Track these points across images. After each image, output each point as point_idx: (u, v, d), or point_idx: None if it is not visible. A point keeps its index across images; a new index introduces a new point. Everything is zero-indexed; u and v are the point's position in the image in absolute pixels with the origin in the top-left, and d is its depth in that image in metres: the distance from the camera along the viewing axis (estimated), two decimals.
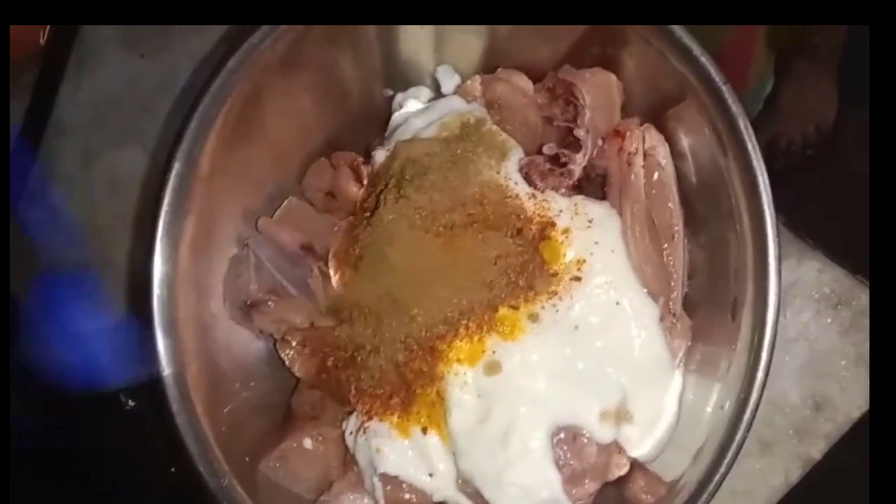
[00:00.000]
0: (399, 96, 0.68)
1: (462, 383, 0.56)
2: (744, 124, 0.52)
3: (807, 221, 0.63)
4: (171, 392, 0.60)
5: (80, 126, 0.85)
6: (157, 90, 0.83)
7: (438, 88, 0.67)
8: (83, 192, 0.85)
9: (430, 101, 0.67)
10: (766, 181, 0.52)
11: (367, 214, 0.61)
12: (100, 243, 0.83)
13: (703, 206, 0.58)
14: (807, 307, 0.63)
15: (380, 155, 0.63)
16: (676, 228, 0.58)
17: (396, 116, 0.67)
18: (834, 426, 0.63)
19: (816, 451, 0.63)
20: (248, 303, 0.64)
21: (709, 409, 0.56)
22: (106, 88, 0.85)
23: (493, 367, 0.56)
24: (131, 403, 0.73)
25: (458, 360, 0.57)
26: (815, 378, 0.63)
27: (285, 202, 0.67)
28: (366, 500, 0.60)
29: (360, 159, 0.67)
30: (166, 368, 0.60)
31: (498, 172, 0.59)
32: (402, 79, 0.68)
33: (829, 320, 0.63)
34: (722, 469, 0.53)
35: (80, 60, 0.86)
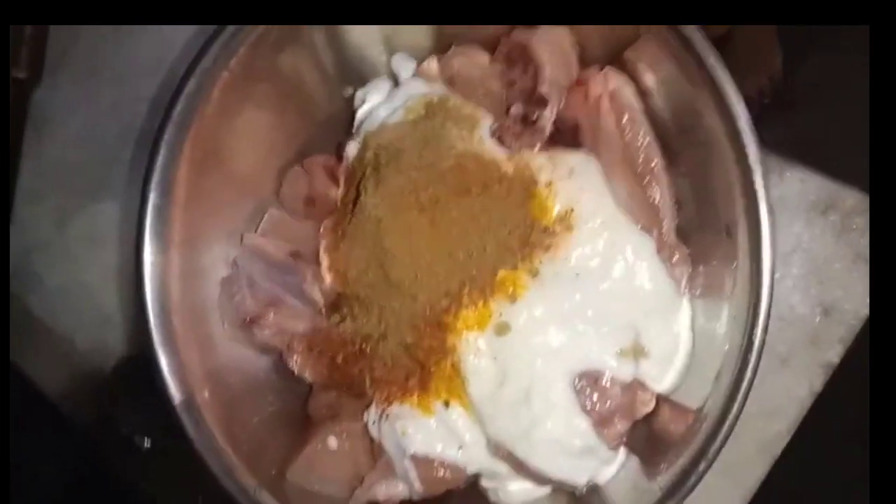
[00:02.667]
0: (359, 92, 0.68)
1: (475, 350, 0.56)
2: (701, 43, 0.52)
3: (782, 139, 0.64)
4: (186, 419, 0.59)
5: (48, 190, 0.85)
6: (119, 139, 0.83)
7: (396, 78, 0.68)
8: (63, 253, 0.84)
9: (390, 91, 0.67)
10: (738, 96, 0.52)
11: (350, 207, 0.61)
12: (88, 300, 0.82)
13: (678, 135, 0.59)
14: (796, 218, 0.64)
15: (351, 148, 0.64)
16: (655, 162, 0.58)
17: (361, 112, 0.67)
18: (846, 328, 0.63)
19: (834, 355, 0.63)
20: (247, 319, 0.64)
21: (721, 330, 0.55)
22: (69, 148, 0.85)
23: (502, 329, 0.56)
24: (147, 443, 0.71)
25: (467, 329, 0.57)
26: (818, 285, 0.63)
27: (266, 215, 0.67)
28: (400, 486, 0.60)
29: (334, 160, 0.67)
30: (176, 397, 0.59)
31: (471, 142, 0.59)
32: (359, 75, 0.68)
33: (821, 227, 0.64)
34: (744, 384, 0.52)
35: (37, 128, 0.86)
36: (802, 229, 0.64)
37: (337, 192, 0.66)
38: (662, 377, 0.57)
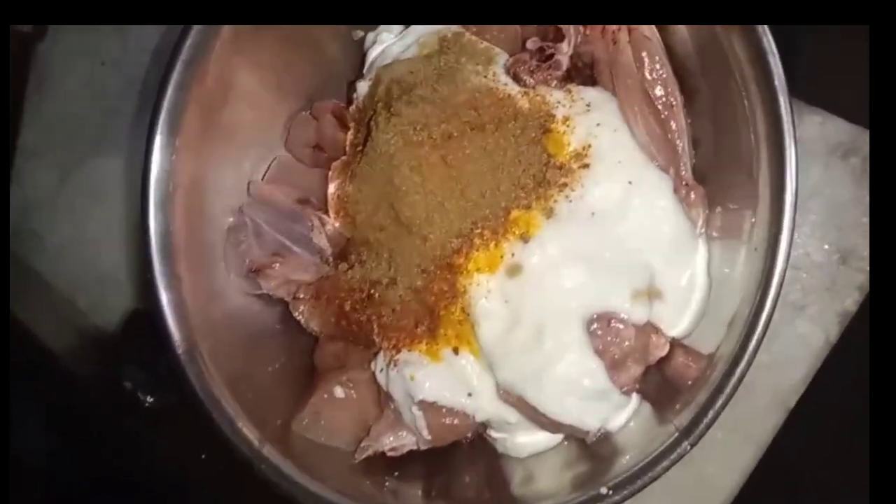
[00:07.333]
0: (370, 35, 0.66)
1: (486, 293, 0.55)
2: None
3: (796, 81, 0.62)
4: (189, 369, 0.58)
5: (49, 145, 0.84)
6: (122, 92, 0.82)
7: None
8: (64, 209, 0.83)
9: (402, 31, 0.66)
10: (766, 27, 0.50)
11: (360, 147, 0.60)
12: (90, 256, 0.81)
13: (698, 71, 0.57)
14: (815, 163, 0.62)
15: (362, 86, 0.62)
16: (673, 98, 0.57)
17: (372, 51, 0.65)
18: (865, 276, 0.61)
19: (852, 303, 0.61)
20: (253, 269, 0.63)
21: (737, 274, 0.54)
22: (70, 102, 0.83)
23: (514, 270, 0.55)
24: (150, 400, 0.70)
25: (478, 271, 0.55)
26: (836, 230, 0.62)
27: (273, 161, 0.66)
28: (407, 436, 0.58)
29: (343, 105, 0.66)
30: (179, 346, 0.58)
31: (486, 77, 0.58)
32: None
33: (840, 171, 0.62)
34: (759, 328, 0.51)
35: (39, 83, 0.85)
36: (821, 174, 0.62)
37: (346, 138, 0.64)
38: (677, 321, 0.56)
